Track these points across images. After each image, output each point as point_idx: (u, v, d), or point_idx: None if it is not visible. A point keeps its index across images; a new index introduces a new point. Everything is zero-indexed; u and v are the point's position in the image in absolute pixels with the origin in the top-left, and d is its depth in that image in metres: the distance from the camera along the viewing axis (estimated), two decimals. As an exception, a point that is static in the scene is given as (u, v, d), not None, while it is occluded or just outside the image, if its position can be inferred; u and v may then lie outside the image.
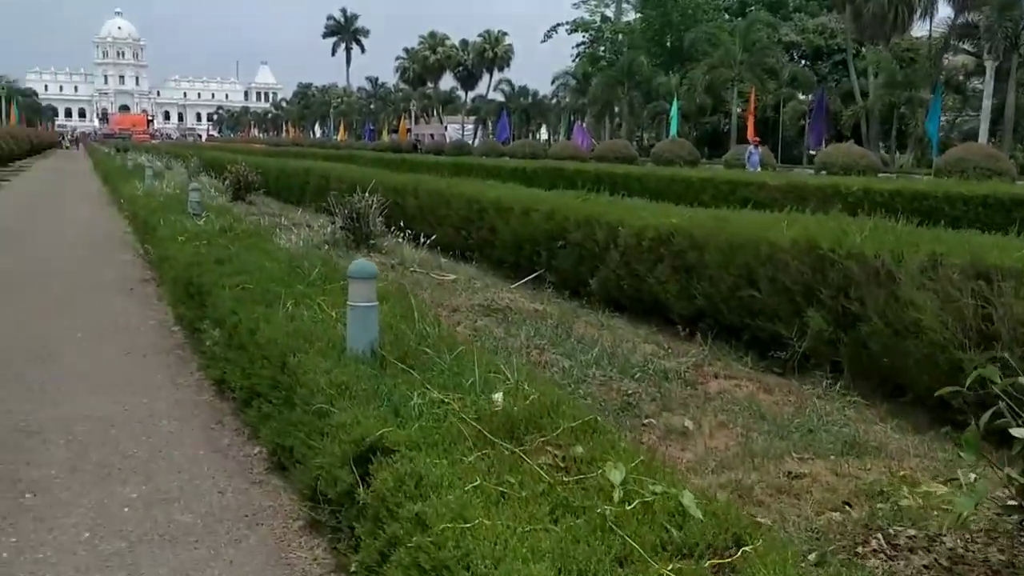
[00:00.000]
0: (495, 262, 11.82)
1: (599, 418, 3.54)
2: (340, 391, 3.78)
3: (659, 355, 6.55)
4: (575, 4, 62.29)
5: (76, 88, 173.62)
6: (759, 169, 27.56)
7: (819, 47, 47.60)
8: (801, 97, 44.57)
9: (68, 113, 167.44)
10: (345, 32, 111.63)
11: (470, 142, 71.98)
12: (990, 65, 29.55)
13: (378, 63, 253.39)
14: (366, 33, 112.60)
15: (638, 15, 58.44)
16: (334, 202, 12.26)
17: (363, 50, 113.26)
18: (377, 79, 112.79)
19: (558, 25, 59.74)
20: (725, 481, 3.95)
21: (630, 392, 5.38)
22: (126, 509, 3.88)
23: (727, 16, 58.32)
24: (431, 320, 5.28)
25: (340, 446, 3.35)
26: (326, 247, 11.88)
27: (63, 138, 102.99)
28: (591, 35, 56.80)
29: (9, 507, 3.85)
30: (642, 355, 6.43)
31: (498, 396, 3.52)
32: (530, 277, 10.54)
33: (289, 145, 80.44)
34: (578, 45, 59.18)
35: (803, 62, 44.56)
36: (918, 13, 35.73)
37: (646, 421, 4.93)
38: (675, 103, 40.82)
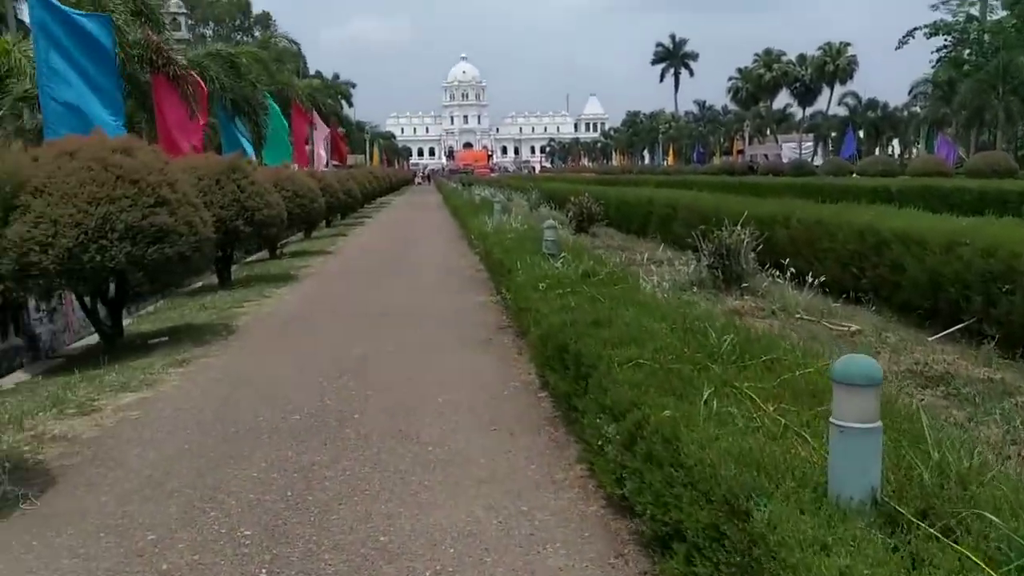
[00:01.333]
0: (899, 306, 9.68)
1: None
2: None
3: None
4: (933, 6, 56.02)
5: (427, 129, 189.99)
6: None
7: None
8: None
9: (420, 152, 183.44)
10: (674, 57, 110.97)
11: (809, 160, 67.64)
12: None
13: (705, 87, 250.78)
14: (695, 57, 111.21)
15: (1005, 12, 51.29)
16: (698, 237, 10.82)
17: (691, 74, 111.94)
18: (704, 102, 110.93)
19: (915, 30, 54.04)
20: None
21: None
22: None
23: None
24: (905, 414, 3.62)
25: None
26: (693, 289, 10.48)
27: (415, 175, 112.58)
28: (954, 38, 50.59)
29: None
30: None
31: None
32: (955, 328, 8.35)
33: (618, 172, 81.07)
34: (938, 50, 53.13)
35: None
36: None
37: None
38: (1070, 106, 34.69)
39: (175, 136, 16.03)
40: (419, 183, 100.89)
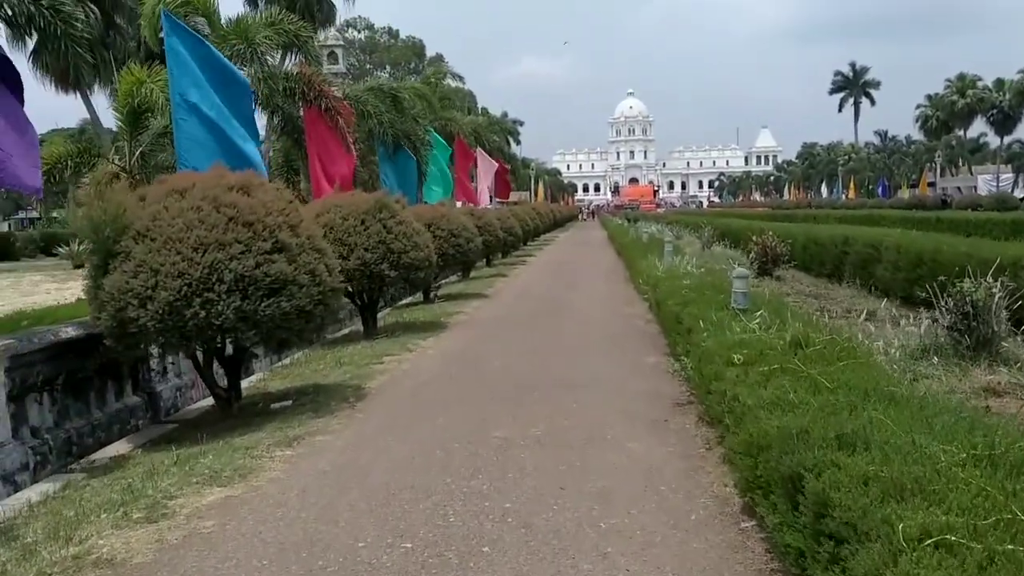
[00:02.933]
0: None
1: None
2: None
3: None
4: None
5: (592, 165, 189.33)
6: None
7: None
8: None
9: (585, 188, 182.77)
10: (854, 86, 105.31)
11: (1010, 193, 61.45)
12: None
13: (886, 117, 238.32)
14: (876, 85, 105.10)
15: None
16: (934, 292, 8.57)
17: (872, 103, 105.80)
18: (886, 132, 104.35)
19: None
20: None
21: None
22: None
23: None
24: None
25: None
26: (929, 356, 8.26)
27: (580, 211, 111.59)
28: None
29: None
30: None
31: None
32: None
33: (792, 207, 76.70)
34: None
35: None
36: None
37: None
38: None
39: (326, 170, 15.16)
40: (584, 219, 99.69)
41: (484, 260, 25.88)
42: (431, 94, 29.33)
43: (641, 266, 16.78)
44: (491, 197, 36.46)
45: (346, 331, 14.24)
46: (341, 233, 11.75)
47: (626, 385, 8.48)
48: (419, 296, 17.86)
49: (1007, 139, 73.12)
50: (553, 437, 6.57)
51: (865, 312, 12.73)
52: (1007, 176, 70.48)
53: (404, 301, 18.23)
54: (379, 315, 13.98)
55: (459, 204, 30.31)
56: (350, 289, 11.54)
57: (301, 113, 15.64)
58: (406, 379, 9.28)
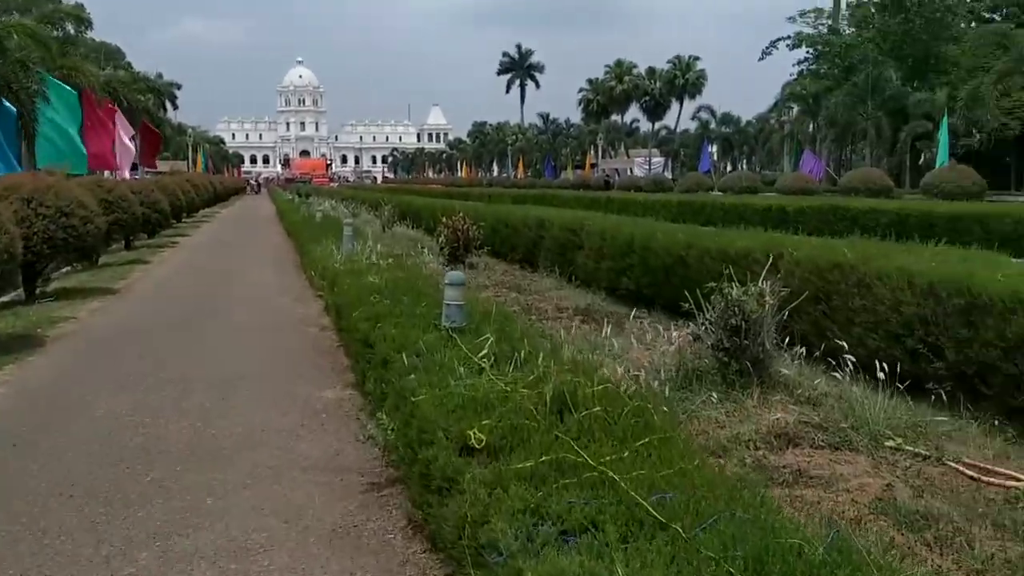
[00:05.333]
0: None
1: None
2: None
3: None
4: (790, 18, 55.41)
5: (260, 135, 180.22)
6: None
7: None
8: None
9: (253, 160, 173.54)
10: (520, 68, 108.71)
11: (662, 173, 65.99)
12: None
13: (554, 99, 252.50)
14: (541, 69, 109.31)
15: (852, 29, 50.97)
16: (698, 301, 6.68)
17: (538, 86, 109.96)
18: (548, 115, 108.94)
19: (778, 40, 53.07)
20: None
21: None
22: None
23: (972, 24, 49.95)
24: None
25: None
26: (690, 384, 6.35)
27: (248, 184, 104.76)
28: (816, 50, 49.71)
29: None
30: None
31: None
32: None
33: (466, 184, 77.11)
34: (800, 62, 52.27)
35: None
36: None
37: None
38: (944, 123, 33.25)
39: None
40: (253, 193, 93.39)
41: (124, 243, 21.43)
42: (48, 36, 23.87)
43: (316, 254, 13.92)
44: (136, 165, 31.29)
45: None
46: None
47: (292, 452, 5.69)
48: (21, 293, 13.52)
49: (658, 124, 78.83)
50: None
51: (573, 309, 11.06)
52: (658, 160, 75.96)
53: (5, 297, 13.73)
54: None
55: (107, 175, 25.41)
56: None
57: None
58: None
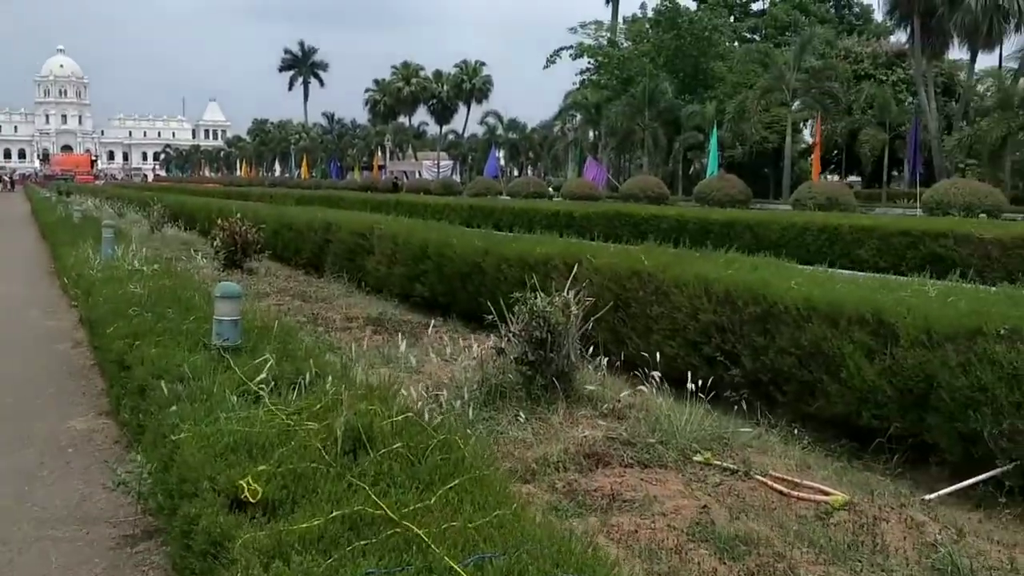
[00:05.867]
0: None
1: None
2: None
3: None
4: (572, 29, 57.10)
5: (16, 128, 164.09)
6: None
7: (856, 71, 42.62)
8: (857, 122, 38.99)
9: (7, 154, 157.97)
10: (303, 65, 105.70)
11: (449, 177, 66.12)
12: None
13: (339, 99, 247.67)
14: (325, 67, 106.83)
15: (629, 43, 53.40)
16: (502, 312, 6.24)
17: (322, 84, 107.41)
18: (334, 115, 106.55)
19: (561, 50, 54.48)
20: None
21: None
22: None
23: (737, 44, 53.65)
24: None
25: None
26: (494, 401, 5.91)
27: (2, 180, 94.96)
28: (597, 61, 51.44)
29: None
30: None
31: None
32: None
33: (246, 184, 73.82)
34: (583, 72, 53.92)
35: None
36: (1012, 23, 30.46)
37: None
38: (714, 134, 35.33)
39: None
40: (7, 190, 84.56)
41: None
42: None
43: (69, 259, 12.39)
44: None
45: None
46: None
47: (26, 501, 4.72)
48: None
49: (446, 128, 78.99)
50: None
51: (364, 318, 10.43)
52: (446, 163, 76.12)
53: None
54: None
55: None
56: None
57: None
58: None
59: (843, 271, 11.47)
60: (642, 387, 5.96)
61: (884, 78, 44.57)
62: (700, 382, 5.98)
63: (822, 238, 17.10)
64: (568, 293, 6.13)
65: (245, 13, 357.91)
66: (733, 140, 41.83)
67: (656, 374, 5.92)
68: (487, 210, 30.20)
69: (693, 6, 53.65)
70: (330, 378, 4.55)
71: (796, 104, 38.08)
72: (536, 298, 6.05)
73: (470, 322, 10.52)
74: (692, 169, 47.26)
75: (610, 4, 66.84)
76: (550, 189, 43.18)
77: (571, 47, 53.60)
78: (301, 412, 4.05)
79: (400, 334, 9.41)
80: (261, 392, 4.41)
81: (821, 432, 6.13)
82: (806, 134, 42.97)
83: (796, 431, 5.99)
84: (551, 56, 55.87)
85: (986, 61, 35.62)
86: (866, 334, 5.70)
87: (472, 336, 9.69)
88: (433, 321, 10.42)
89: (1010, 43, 34.01)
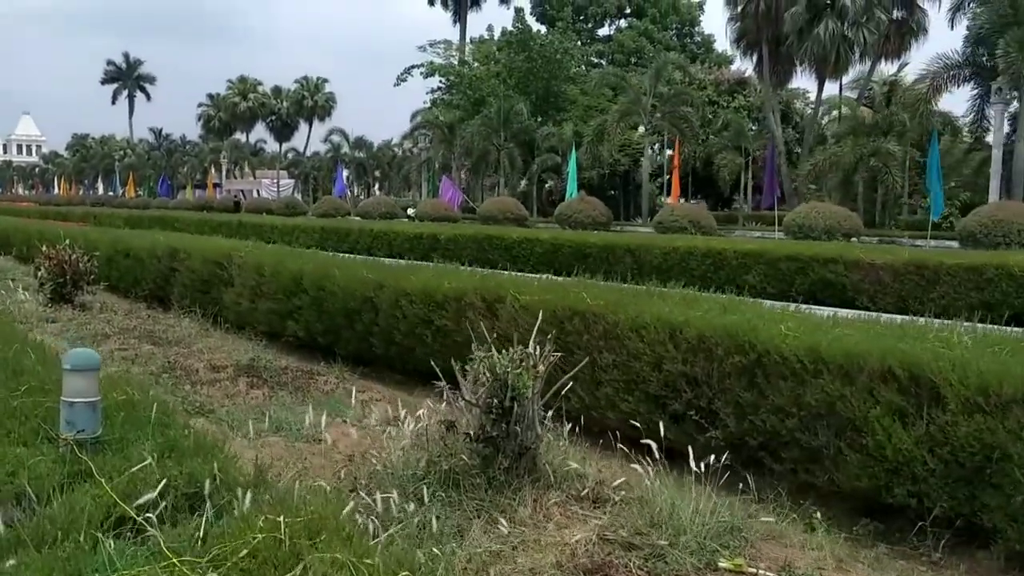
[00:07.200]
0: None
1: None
2: None
3: None
4: (421, 47, 55.84)
5: None
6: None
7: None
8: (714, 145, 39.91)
9: None
10: (128, 78, 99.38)
11: (291, 196, 63.18)
12: (999, 109, 25.56)
13: (168, 115, 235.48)
14: (152, 80, 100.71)
15: (478, 63, 52.90)
16: (452, 373, 4.88)
17: (148, 97, 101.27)
18: (161, 130, 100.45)
19: (412, 67, 53.03)
20: None
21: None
22: None
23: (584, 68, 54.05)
24: None
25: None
26: (447, 488, 4.55)
27: None
28: (448, 80, 50.39)
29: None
30: None
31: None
32: None
33: (65, 203, 68.15)
34: (434, 91, 52.74)
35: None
36: (857, 53, 31.73)
37: None
38: (573, 156, 34.87)
39: None
40: None
41: None
42: None
43: None
44: None
45: None
46: None
47: None
48: None
49: (286, 146, 75.78)
50: None
51: (234, 366, 8.76)
52: (287, 181, 72.98)
53: None
54: None
55: None
56: None
57: None
58: None
59: (812, 305, 10.72)
60: (635, 465, 4.74)
61: (726, 105, 45.96)
62: (663, 445, 4.88)
63: (707, 263, 16.55)
64: (533, 346, 4.85)
65: (69, 23, 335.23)
66: (589, 163, 41.74)
67: (651, 443, 4.73)
68: (342, 232, 28.39)
69: (543, 30, 53.70)
70: (247, 494, 3.09)
71: (651, 128, 38.42)
72: (495, 355, 4.74)
73: (358, 366, 9.07)
74: (545, 190, 46.90)
75: (457, 24, 66.41)
76: (410, 210, 41.57)
77: (422, 65, 52.44)
78: (220, 566, 2.59)
79: (282, 386, 7.92)
80: (146, 526, 2.90)
81: (827, 507, 5.13)
82: (657, 158, 43.43)
83: (808, 509, 4.95)
84: (402, 74, 54.49)
85: (826, 90, 37.12)
86: (895, 393, 4.74)
87: (376, 387, 8.30)
88: (317, 368, 8.93)
89: (851, 72, 35.79)
